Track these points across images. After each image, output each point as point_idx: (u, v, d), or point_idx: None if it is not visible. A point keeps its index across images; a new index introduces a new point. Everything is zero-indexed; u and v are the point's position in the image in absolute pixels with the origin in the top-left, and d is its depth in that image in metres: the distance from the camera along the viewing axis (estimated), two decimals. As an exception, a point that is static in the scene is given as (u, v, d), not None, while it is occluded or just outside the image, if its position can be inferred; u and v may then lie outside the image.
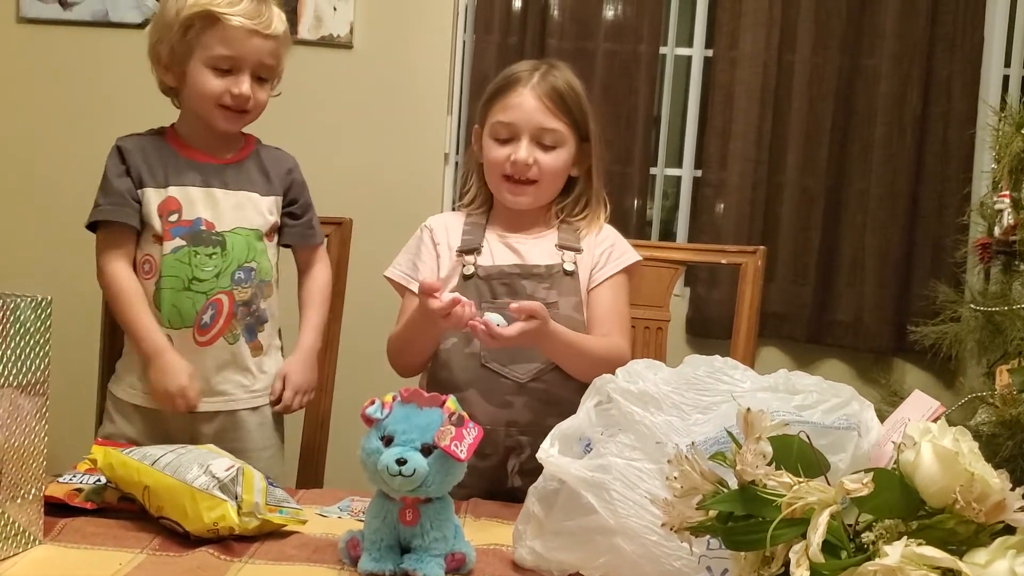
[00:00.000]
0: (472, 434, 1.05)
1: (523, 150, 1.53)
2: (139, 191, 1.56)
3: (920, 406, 1.10)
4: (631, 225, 2.81)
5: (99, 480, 1.25)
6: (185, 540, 1.13)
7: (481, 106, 1.62)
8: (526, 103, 1.53)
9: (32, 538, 1.10)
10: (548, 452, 1.09)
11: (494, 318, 1.37)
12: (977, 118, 2.73)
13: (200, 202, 1.56)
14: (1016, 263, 2.24)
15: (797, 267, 2.83)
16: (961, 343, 2.31)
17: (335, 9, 2.70)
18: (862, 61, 2.80)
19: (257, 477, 1.18)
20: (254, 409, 1.62)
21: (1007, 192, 2.20)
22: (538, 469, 1.12)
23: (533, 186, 1.55)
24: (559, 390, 1.48)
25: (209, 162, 1.60)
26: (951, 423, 0.82)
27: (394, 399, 1.08)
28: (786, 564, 0.78)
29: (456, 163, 2.83)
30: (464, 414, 1.07)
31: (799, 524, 0.78)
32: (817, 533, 0.75)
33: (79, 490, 1.24)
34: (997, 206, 2.24)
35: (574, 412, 1.14)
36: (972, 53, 2.77)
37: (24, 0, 2.70)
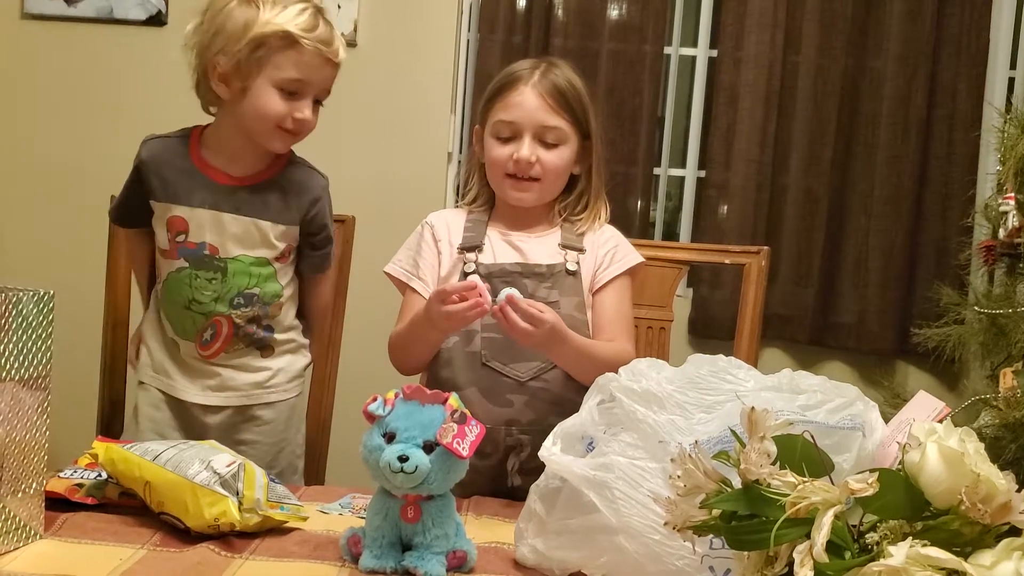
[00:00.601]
0: (474, 431, 1.05)
1: (526, 148, 1.52)
2: (150, 202, 1.57)
3: (925, 407, 1.10)
4: (634, 225, 2.81)
5: (100, 475, 1.25)
6: (186, 536, 1.13)
7: (481, 105, 1.61)
8: (528, 101, 1.53)
9: (33, 532, 1.10)
10: (550, 450, 1.09)
11: (516, 292, 1.36)
12: (982, 120, 2.72)
13: (207, 226, 1.55)
14: (1020, 265, 2.24)
15: (800, 269, 2.83)
16: (965, 346, 2.31)
17: (339, 7, 2.70)
18: (867, 62, 2.80)
19: (258, 473, 1.18)
20: (267, 404, 1.62)
21: (1012, 194, 2.20)
22: (538, 468, 1.12)
23: (537, 183, 1.55)
24: (560, 389, 1.47)
25: (226, 183, 1.56)
26: (955, 425, 0.82)
27: (396, 396, 1.07)
28: (790, 564, 0.78)
29: (459, 162, 2.83)
30: (466, 411, 1.07)
31: (803, 524, 0.78)
32: (821, 533, 0.75)
33: (80, 485, 1.23)
34: (1002, 208, 2.23)
35: (575, 411, 1.14)
36: (977, 55, 2.76)
37: (29, -4, 2.71)
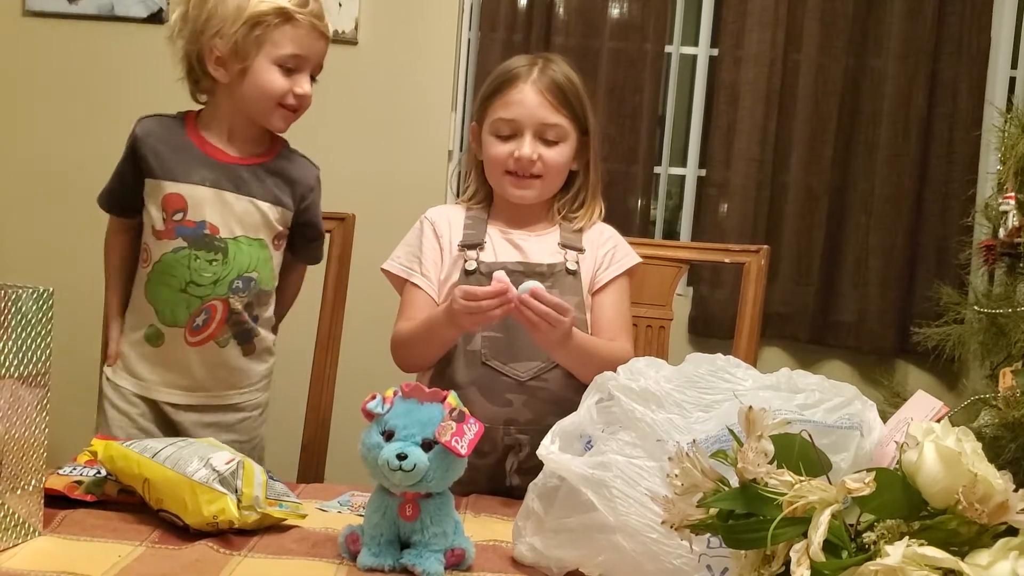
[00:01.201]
0: (473, 430, 1.05)
1: (527, 146, 1.52)
2: (145, 180, 1.55)
3: (923, 406, 1.10)
4: (634, 224, 2.81)
5: (99, 472, 1.25)
6: (185, 533, 1.13)
7: (479, 103, 1.60)
8: (528, 99, 1.52)
9: (32, 529, 1.10)
10: (549, 449, 1.09)
11: (539, 286, 1.36)
12: (983, 120, 2.72)
13: (208, 204, 1.54)
14: (1020, 265, 2.24)
15: (800, 267, 2.83)
16: (964, 345, 2.31)
17: (340, 5, 2.70)
18: (868, 62, 2.80)
19: (257, 471, 1.18)
20: (233, 405, 1.63)
21: (1012, 194, 2.20)
22: (536, 468, 1.12)
23: (538, 180, 1.54)
24: (559, 389, 1.47)
25: (226, 161, 1.56)
26: (953, 425, 0.82)
27: (395, 394, 1.07)
28: (787, 563, 0.78)
29: (459, 160, 2.83)
30: (465, 410, 1.07)
31: (800, 523, 0.78)
32: (818, 532, 0.75)
33: (79, 482, 1.24)
34: (1002, 208, 2.23)
35: (573, 411, 1.14)
36: (978, 55, 2.76)
37: (30, -7, 2.71)
